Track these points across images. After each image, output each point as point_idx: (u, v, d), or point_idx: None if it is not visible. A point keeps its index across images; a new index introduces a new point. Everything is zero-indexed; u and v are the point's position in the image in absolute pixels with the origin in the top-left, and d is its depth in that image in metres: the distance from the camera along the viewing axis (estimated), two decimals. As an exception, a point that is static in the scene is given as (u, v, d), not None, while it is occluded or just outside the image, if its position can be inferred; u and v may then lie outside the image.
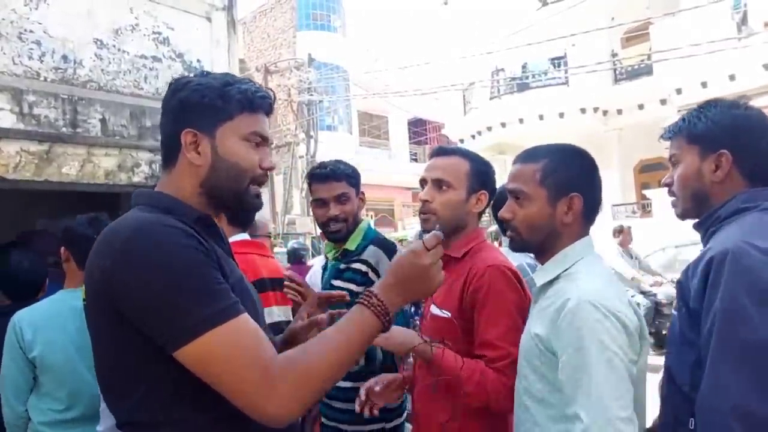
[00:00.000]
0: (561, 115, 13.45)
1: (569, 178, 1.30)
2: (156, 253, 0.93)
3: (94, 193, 2.84)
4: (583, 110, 13.38)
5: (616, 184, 13.48)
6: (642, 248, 7.19)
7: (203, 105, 1.07)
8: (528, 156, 1.37)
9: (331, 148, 17.03)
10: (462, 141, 16.33)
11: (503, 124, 14.38)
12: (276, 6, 18.37)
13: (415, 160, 22.97)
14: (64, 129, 2.65)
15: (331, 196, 2.06)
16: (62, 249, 2.11)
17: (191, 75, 1.12)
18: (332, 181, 2.06)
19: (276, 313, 2.19)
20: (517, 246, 1.39)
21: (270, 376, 0.91)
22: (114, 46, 2.82)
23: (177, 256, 0.94)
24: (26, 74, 2.57)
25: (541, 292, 1.33)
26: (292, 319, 2.14)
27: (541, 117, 13.66)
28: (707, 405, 1.05)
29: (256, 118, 1.11)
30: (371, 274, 2.01)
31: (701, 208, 1.27)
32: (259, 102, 1.11)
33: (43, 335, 1.99)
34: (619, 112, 13.59)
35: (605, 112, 13.73)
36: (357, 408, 1.56)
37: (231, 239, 2.26)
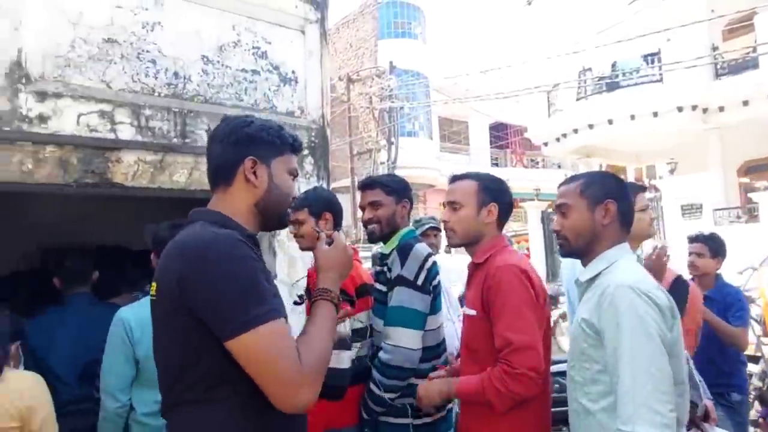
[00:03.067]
0: (655, 114, 12.68)
1: (603, 188, 1.63)
2: (225, 262, 1.17)
3: (200, 199, 3.05)
4: (680, 108, 12.53)
5: (717, 187, 12.49)
6: (749, 257, 6.60)
7: (266, 141, 1.36)
8: (571, 178, 1.73)
9: (412, 154, 17.14)
10: (546, 144, 15.85)
11: (591, 126, 13.78)
12: (359, 17, 18.82)
13: (497, 164, 22.56)
14: (175, 140, 2.88)
15: (366, 203, 2.34)
16: (153, 254, 2.39)
17: (245, 116, 1.42)
18: (367, 189, 2.36)
19: (359, 319, 2.27)
20: (565, 252, 1.68)
21: (301, 372, 1.15)
22: (218, 61, 3.03)
23: (241, 266, 1.18)
24: (143, 91, 2.82)
25: (587, 287, 1.62)
26: (371, 323, 2.29)
27: (632, 117, 12.95)
28: None
29: (294, 158, 1.43)
30: (388, 274, 2.22)
31: None
32: (299, 147, 1.45)
33: (148, 332, 2.19)
34: (721, 109, 12.58)
35: (705, 110, 12.77)
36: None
37: None
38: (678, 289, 2.37)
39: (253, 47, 3.17)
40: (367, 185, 2.37)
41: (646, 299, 1.39)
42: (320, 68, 3.44)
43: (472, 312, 1.86)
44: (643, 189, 2.46)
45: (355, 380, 2.11)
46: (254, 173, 1.34)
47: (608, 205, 1.61)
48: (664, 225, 12.17)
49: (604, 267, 1.57)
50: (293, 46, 3.34)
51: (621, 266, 1.54)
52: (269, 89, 3.23)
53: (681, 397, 1.47)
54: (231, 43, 3.08)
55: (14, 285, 3.60)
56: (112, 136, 2.70)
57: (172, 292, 1.19)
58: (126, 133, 2.76)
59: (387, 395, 2.06)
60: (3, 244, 3.72)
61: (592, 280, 1.58)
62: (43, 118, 2.50)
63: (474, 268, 1.97)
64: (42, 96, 2.49)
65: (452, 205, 1.96)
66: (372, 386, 2.09)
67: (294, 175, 1.43)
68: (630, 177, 15.84)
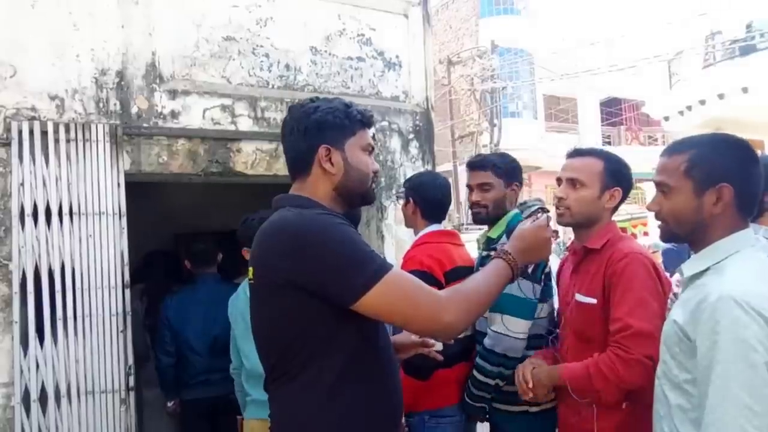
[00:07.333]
0: (800, 78, 11.16)
1: (718, 168, 1.28)
2: (324, 234, 1.23)
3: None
4: (832, 71, 10.92)
5: None
6: None
7: (335, 124, 1.35)
8: (674, 148, 1.38)
9: (515, 135, 16.60)
10: (667, 119, 14.57)
11: (721, 96, 12.41)
12: (458, -3, 18.45)
13: (609, 143, 21.13)
14: (288, 129, 3.02)
15: (475, 184, 2.21)
16: (244, 251, 2.56)
17: (308, 101, 1.40)
18: (478, 170, 2.21)
19: None
20: (665, 236, 1.44)
21: (440, 297, 1.25)
22: (325, 51, 3.13)
23: (344, 233, 1.24)
24: (258, 84, 2.99)
25: (689, 282, 1.33)
26: None
27: (772, 83, 11.51)
28: None
29: (368, 132, 1.42)
30: None
31: None
32: (369, 120, 1.42)
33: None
34: None
35: None
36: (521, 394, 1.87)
37: (426, 230, 2.36)
38: None
39: (358, 34, 3.23)
40: (477, 165, 2.25)
41: (754, 316, 1.11)
42: (423, 51, 3.43)
43: (592, 300, 1.78)
44: None
45: (451, 361, 2.08)
46: (330, 160, 1.34)
47: (722, 189, 1.26)
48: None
49: (715, 262, 1.27)
50: (397, 31, 3.35)
51: (733, 266, 1.23)
52: (374, 75, 3.28)
53: None
54: (337, 32, 3.17)
55: (150, 267, 4.02)
56: (232, 128, 2.90)
57: (274, 272, 1.23)
58: (244, 124, 2.95)
59: (493, 381, 2.01)
60: (144, 230, 4.17)
61: (698, 276, 1.29)
62: (174, 114, 2.74)
63: (585, 253, 1.88)
64: (173, 94, 2.74)
65: (572, 181, 1.85)
66: (476, 373, 2.05)
67: (370, 150, 1.42)
68: (768, 151, 14.16)
